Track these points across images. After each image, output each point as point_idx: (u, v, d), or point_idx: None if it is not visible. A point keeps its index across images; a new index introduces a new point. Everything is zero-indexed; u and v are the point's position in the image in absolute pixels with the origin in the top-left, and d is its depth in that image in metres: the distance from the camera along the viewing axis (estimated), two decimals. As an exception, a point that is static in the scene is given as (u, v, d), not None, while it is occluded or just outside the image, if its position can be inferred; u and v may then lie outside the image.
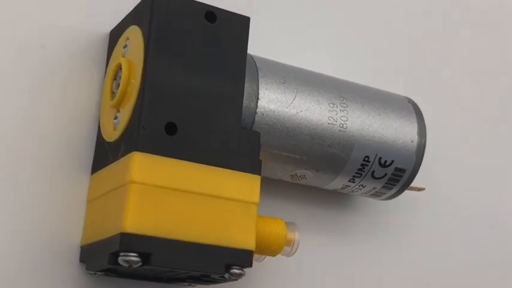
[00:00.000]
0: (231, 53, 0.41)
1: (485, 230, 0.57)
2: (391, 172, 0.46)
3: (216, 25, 0.41)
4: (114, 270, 0.41)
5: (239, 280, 0.39)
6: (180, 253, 0.37)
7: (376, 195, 0.48)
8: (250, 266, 0.39)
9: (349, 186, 0.47)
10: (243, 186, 0.40)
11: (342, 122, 0.44)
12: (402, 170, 0.47)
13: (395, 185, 0.47)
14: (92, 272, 0.41)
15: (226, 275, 0.38)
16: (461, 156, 0.57)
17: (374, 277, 0.52)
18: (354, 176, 0.46)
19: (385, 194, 0.48)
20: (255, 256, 0.44)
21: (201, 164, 0.39)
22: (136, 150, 0.37)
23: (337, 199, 0.51)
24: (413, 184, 0.51)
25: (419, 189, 0.51)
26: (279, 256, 0.43)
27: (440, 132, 0.55)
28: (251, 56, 0.43)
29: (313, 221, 0.50)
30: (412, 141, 0.47)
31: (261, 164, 0.41)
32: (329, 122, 0.44)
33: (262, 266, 0.46)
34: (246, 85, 0.41)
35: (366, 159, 0.45)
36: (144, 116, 0.38)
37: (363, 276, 0.51)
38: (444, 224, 0.56)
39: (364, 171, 0.46)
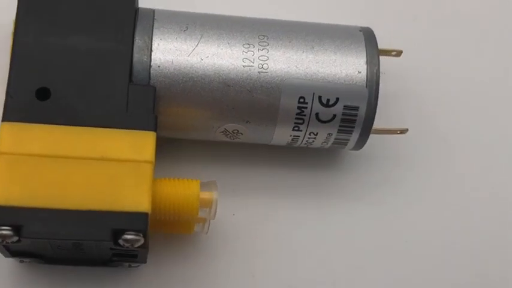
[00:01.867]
0: (116, 8, 0.38)
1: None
2: (341, 112, 0.39)
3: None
4: (39, 256, 0.39)
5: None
6: (57, 222, 0.34)
7: (340, 143, 0.41)
8: (145, 229, 0.35)
9: (299, 136, 0.41)
10: (133, 145, 0.36)
11: (261, 62, 0.39)
12: (354, 108, 0.39)
13: (353, 127, 0.40)
14: (18, 259, 0.40)
15: (121, 242, 0.35)
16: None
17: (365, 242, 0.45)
18: (296, 123, 0.40)
19: (347, 140, 0.41)
20: (198, 225, 0.40)
21: (81, 127, 0.36)
22: (4, 120, 0.36)
23: (316, 158, 0.45)
24: (393, 126, 0.44)
25: (401, 132, 0.43)
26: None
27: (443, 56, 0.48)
28: (151, 10, 0.40)
29: (293, 185, 0.45)
30: (360, 72, 0.39)
31: (156, 119, 0.37)
32: (244, 64, 0.39)
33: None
34: (137, 39, 0.38)
35: (302, 100, 0.39)
36: (11, 83, 0.36)
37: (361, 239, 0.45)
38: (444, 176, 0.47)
39: (304, 115, 0.39)
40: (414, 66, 0.48)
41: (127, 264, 0.40)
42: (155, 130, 0.37)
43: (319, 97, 0.39)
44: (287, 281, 0.43)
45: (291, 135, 0.40)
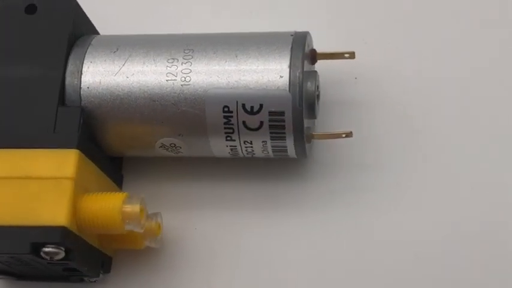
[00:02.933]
0: (51, 37, 0.41)
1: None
2: (267, 118, 0.39)
3: (36, 15, 0.41)
4: (10, 273, 0.42)
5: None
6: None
7: (280, 150, 0.40)
8: (62, 242, 0.36)
9: (236, 146, 0.40)
10: (56, 162, 0.38)
11: (184, 75, 0.39)
12: (279, 113, 0.38)
13: (283, 133, 0.39)
14: (-3, 276, 0.43)
15: (42, 254, 0.37)
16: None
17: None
18: (226, 133, 0.39)
19: (284, 146, 0.40)
20: (148, 240, 0.41)
21: (9, 149, 0.39)
22: None
23: (277, 169, 0.44)
24: (338, 130, 0.42)
25: (346, 135, 0.41)
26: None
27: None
28: (93, 36, 0.42)
29: (254, 197, 0.44)
30: (282, 77, 0.38)
31: (80, 137, 0.38)
32: (168, 78, 0.39)
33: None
34: (69, 63, 0.40)
35: (226, 109, 0.39)
36: None
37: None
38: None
39: (232, 124, 0.39)
40: (391, 69, 0.46)
41: (87, 279, 0.43)
42: (78, 148, 0.38)
43: (243, 105, 0.39)
44: (246, 294, 0.43)
45: (227, 146, 0.40)
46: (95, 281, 0.43)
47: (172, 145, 0.41)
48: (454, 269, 0.41)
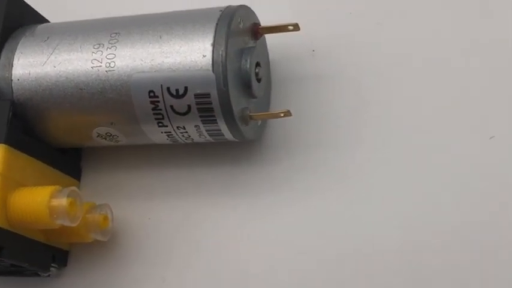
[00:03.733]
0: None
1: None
2: (193, 101, 0.36)
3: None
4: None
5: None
6: None
7: (216, 134, 0.38)
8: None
9: (171, 132, 0.38)
10: (-15, 158, 0.38)
11: (109, 60, 0.37)
12: (204, 95, 0.36)
13: (213, 116, 0.36)
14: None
15: None
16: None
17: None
18: (157, 119, 0.37)
19: (219, 130, 0.37)
20: (94, 233, 0.40)
21: None
22: None
23: (230, 154, 0.42)
24: (276, 109, 0.39)
25: (284, 114, 0.38)
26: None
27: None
28: (30, 27, 0.41)
29: (208, 185, 0.42)
30: (204, 56, 0.36)
31: (5, 132, 0.38)
32: (93, 65, 0.38)
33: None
34: (2, 57, 0.40)
35: (152, 94, 0.37)
36: None
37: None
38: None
39: (160, 109, 0.37)
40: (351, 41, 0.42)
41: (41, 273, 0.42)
42: (6, 142, 0.38)
43: (168, 88, 0.37)
44: (199, 284, 0.41)
45: (162, 132, 0.38)
46: (48, 275, 0.42)
47: (108, 134, 0.39)
48: (406, 244, 0.38)
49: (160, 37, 0.37)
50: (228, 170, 0.42)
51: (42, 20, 0.44)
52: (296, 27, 0.39)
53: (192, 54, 0.36)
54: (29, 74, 0.39)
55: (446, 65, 0.40)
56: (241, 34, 0.38)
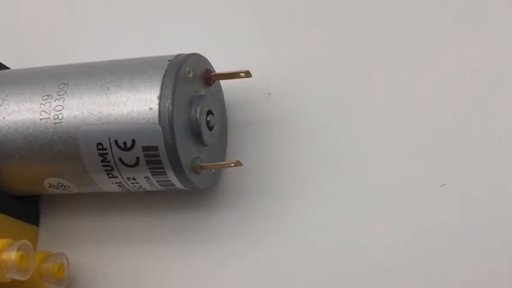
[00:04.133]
0: None
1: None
2: (142, 154, 0.36)
3: None
4: None
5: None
6: None
7: (167, 185, 0.38)
8: None
9: (122, 183, 0.38)
10: None
11: (57, 112, 0.37)
12: (152, 148, 0.36)
13: (162, 168, 0.36)
14: None
15: None
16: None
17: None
18: (107, 171, 0.37)
19: (169, 180, 0.37)
20: (48, 282, 0.40)
21: None
22: None
23: (187, 201, 0.41)
24: (228, 160, 0.38)
25: (235, 164, 0.37)
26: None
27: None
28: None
29: (166, 232, 0.41)
30: (151, 109, 0.36)
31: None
32: (41, 117, 0.37)
33: None
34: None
35: (100, 147, 0.36)
36: None
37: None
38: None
39: (109, 161, 0.37)
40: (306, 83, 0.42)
41: None
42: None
43: (116, 141, 0.36)
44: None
45: (113, 183, 0.38)
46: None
47: (60, 184, 0.39)
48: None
49: (108, 88, 0.37)
50: (181, 217, 0.42)
51: (-2, 65, 0.44)
52: (248, 74, 0.39)
53: (139, 106, 0.36)
54: (-21, 125, 0.39)
55: (400, 109, 0.40)
56: (191, 83, 0.38)
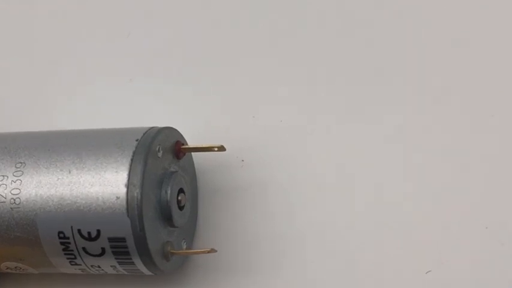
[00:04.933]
0: None
1: None
2: (108, 244, 0.33)
3: None
4: None
5: None
6: None
7: (135, 271, 0.35)
8: None
9: (85, 268, 0.35)
10: None
11: (14, 196, 0.34)
12: (119, 239, 0.33)
13: (130, 258, 0.33)
14: None
15: None
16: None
17: None
18: (69, 258, 0.34)
19: (138, 269, 0.34)
20: None
21: None
22: None
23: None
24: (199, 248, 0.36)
25: (209, 252, 0.35)
26: None
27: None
28: None
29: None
30: (118, 198, 0.33)
31: None
32: (-3, 200, 0.34)
33: None
34: None
35: (62, 235, 0.33)
36: None
37: None
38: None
39: (71, 250, 0.34)
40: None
41: None
42: None
43: (79, 230, 0.33)
44: None
45: (75, 268, 0.35)
46: None
47: (18, 268, 0.36)
48: None
49: (70, 172, 0.34)
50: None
51: None
52: (221, 148, 0.36)
53: (104, 194, 0.33)
54: None
55: (379, 175, 0.38)
56: (161, 161, 0.35)
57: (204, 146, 0.36)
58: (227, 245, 0.38)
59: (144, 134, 0.35)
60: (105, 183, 0.33)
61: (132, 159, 0.33)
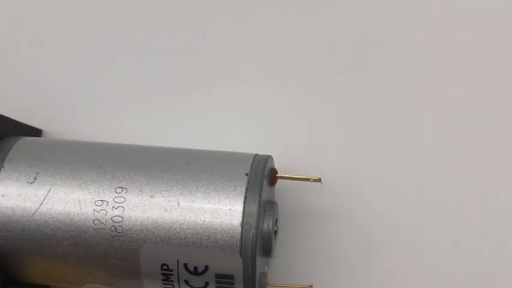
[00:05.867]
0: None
1: None
2: (213, 279, 0.33)
3: None
4: None
5: None
6: None
7: (229, 302, 0.35)
8: None
9: (180, 296, 0.35)
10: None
11: (115, 223, 0.33)
12: (228, 277, 0.33)
13: (232, 294, 0.33)
14: None
15: None
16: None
17: None
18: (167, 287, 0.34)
19: (235, 302, 0.35)
20: None
21: None
22: None
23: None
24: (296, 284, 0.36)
25: None
26: None
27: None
28: (5, 152, 0.34)
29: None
30: (232, 236, 0.32)
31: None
32: (95, 226, 0.33)
33: None
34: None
35: (165, 267, 0.33)
36: None
37: None
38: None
39: (172, 281, 0.33)
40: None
41: None
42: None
43: (185, 265, 0.33)
44: None
45: (171, 296, 0.35)
46: None
47: (102, 288, 0.35)
48: None
49: (178, 204, 0.33)
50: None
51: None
52: (317, 179, 0.36)
53: (216, 231, 0.32)
54: (14, 223, 0.33)
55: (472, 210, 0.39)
56: (266, 193, 0.34)
57: (301, 176, 0.36)
58: (306, 272, 0.39)
59: (251, 167, 0.34)
60: (218, 221, 0.32)
61: (245, 197, 0.33)
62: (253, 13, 0.40)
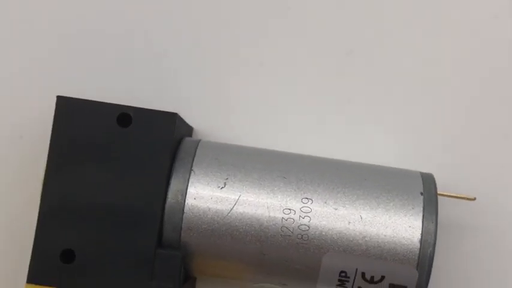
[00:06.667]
0: (149, 158, 0.35)
1: None
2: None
3: (130, 129, 0.35)
4: None
5: None
6: None
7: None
8: None
9: (344, 300, 0.38)
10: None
11: (301, 232, 0.35)
12: (401, 287, 0.36)
13: (398, 301, 0.36)
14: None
15: None
16: None
17: None
18: (337, 291, 0.37)
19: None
20: None
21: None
22: (28, 282, 0.35)
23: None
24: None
25: None
26: None
27: None
28: (191, 155, 0.37)
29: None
30: (411, 251, 0.35)
31: (182, 283, 0.35)
32: (282, 233, 0.35)
33: None
34: (169, 197, 0.35)
35: (343, 275, 0.35)
36: (36, 243, 0.35)
37: None
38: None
39: (346, 287, 0.36)
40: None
41: None
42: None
43: (363, 273, 0.35)
44: None
45: (336, 300, 0.37)
46: None
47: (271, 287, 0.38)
48: None
49: (361, 218, 0.35)
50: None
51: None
52: (471, 199, 0.39)
53: (396, 245, 0.35)
54: (205, 224, 0.35)
55: None
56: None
57: (458, 195, 0.39)
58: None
59: (424, 186, 0.36)
60: (399, 237, 0.35)
61: (423, 216, 0.35)
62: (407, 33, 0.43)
